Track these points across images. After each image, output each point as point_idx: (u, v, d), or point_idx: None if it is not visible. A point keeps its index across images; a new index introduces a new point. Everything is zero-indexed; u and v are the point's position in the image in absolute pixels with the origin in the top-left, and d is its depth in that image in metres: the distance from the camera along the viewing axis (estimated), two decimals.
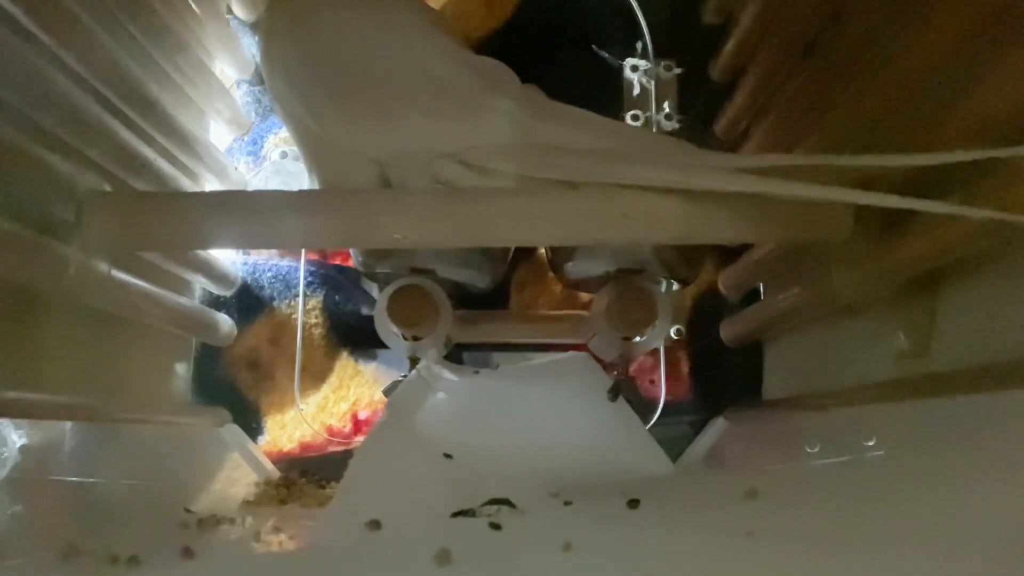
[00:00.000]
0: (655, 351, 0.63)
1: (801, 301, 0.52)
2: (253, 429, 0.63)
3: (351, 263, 0.63)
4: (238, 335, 0.63)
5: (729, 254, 0.63)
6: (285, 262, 0.65)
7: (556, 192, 0.40)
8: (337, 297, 0.65)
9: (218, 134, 0.65)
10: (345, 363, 0.64)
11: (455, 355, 0.62)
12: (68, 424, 0.44)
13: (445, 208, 0.40)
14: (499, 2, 0.66)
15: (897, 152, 0.34)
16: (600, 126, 0.45)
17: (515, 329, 0.63)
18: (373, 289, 0.64)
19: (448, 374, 0.54)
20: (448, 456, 0.47)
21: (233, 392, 0.63)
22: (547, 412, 0.53)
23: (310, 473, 0.62)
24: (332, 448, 0.63)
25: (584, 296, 0.64)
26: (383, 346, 0.55)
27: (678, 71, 0.66)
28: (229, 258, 0.64)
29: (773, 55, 0.55)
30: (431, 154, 0.42)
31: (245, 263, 0.65)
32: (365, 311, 0.64)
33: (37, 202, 0.38)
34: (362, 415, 0.64)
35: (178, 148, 0.54)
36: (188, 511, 0.47)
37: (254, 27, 0.65)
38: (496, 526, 0.37)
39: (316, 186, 0.49)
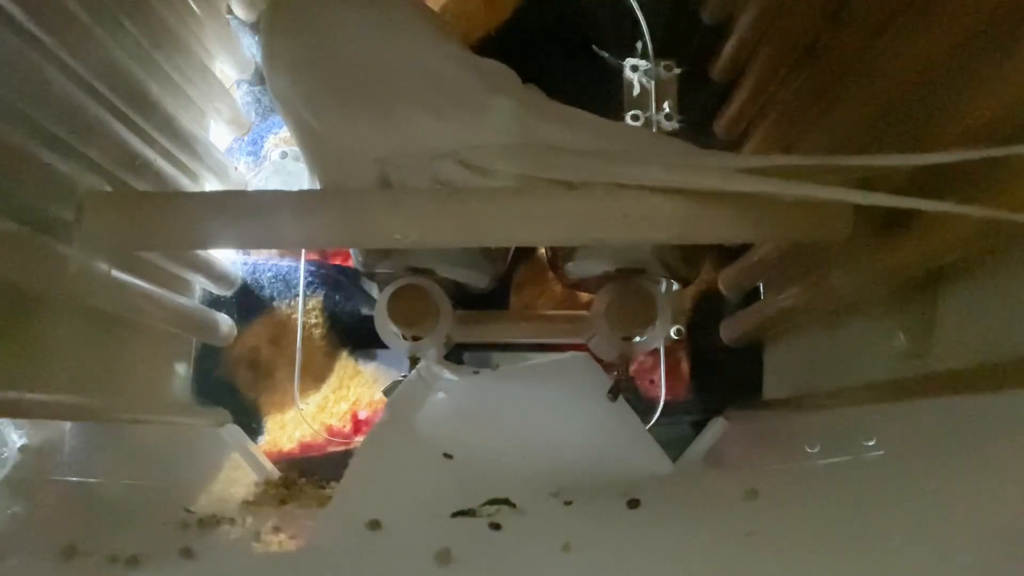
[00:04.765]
0: (655, 351, 0.63)
1: (801, 301, 0.52)
2: (253, 429, 0.63)
3: (351, 263, 0.63)
4: (238, 335, 0.63)
5: (729, 254, 0.63)
6: (285, 262, 0.65)
7: (556, 192, 0.40)
8: (337, 297, 0.65)
9: (218, 134, 0.65)
10: (345, 363, 0.64)
11: (455, 355, 0.62)
12: (68, 424, 0.44)
13: (445, 208, 0.40)
14: (499, 2, 0.66)
15: (897, 152, 0.34)
16: (600, 126, 0.45)
17: (515, 329, 0.63)
18: (373, 289, 0.64)
19: (448, 374, 0.54)
20: (448, 456, 0.47)
21: (233, 392, 0.63)
22: (547, 412, 0.53)
23: (310, 473, 0.62)
24: (332, 448, 0.63)
25: (584, 296, 0.64)
26: (383, 346, 0.55)
27: (678, 71, 0.66)
28: (229, 258, 0.64)
29: (773, 55, 0.55)
30: (432, 154, 0.42)
31: (245, 263, 0.65)
32: (365, 311, 0.64)
33: (37, 202, 0.38)
34: (362, 415, 0.64)
35: (178, 148, 0.54)
36: (188, 511, 0.47)
37: (254, 27, 0.65)
38: (496, 526, 0.37)
39: (316, 186, 0.49)
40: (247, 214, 0.41)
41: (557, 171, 0.40)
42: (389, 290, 0.51)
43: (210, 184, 0.60)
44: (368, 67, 0.44)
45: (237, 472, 0.59)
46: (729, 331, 0.64)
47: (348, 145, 0.44)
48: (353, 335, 0.64)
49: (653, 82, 0.65)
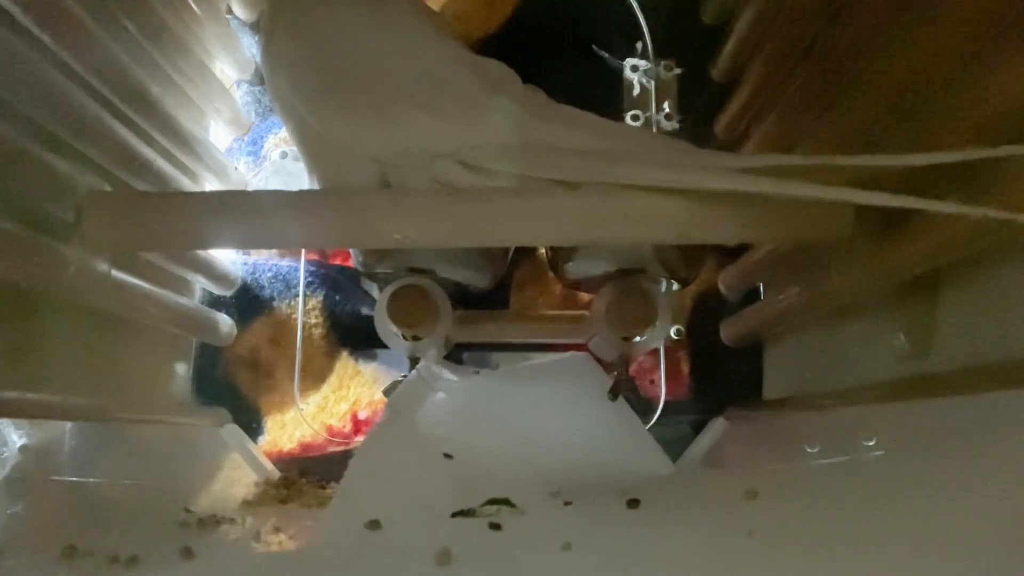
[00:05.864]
0: (655, 351, 0.63)
1: (801, 301, 0.52)
2: (253, 429, 0.63)
3: (351, 263, 0.63)
4: (238, 335, 0.63)
5: (729, 254, 0.63)
6: (285, 262, 0.65)
7: (556, 192, 0.40)
8: (337, 297, 0.65)
9: (218, 134, 0.65)
10: (345, 363, 0.64)
11: (455, 355, 0.62)
12: (68, 424, 0.44)
13: (445, 208, 0.40)
14: (499, 2, 0.66)
15: (897, 152, 0.34)
16: (600, 126, 0.45)
17: (515, 329, 0.63)
18: (373, 289, 0.64)
19: (448, 374, 0.54)
20: (448, 456, 0.47)
21: (233, 392, 0.63)
22: (547, 412, 0.53)
23: (310, 473, 0.62)
24: (332, 448, 0.63)
25: (584, 296, 0.64)
26: (383, 346, 0.55)
27: (678, 71, 0.66)
28: (229, 258, 0.64)
29: (773, 55, 0.55)
30: (432, 153, 0.42)
31: (245, 263, 0.65)
32: (365, 311, 0.64)
33: (37, 202, 0.38)
34: (362, 415, 0.64)
35: (178, 148, 0.54)
36: (188, 511, 0.47)
37: (254, 27, 0.65)
38: (496, 526, 0.37)
39: (316, 186, 0.49)
40: (247, 214, 0.41)
41: (557, 171, 0.40)
42: (389, 290, 0.51)
43: (210, 184, 0.60)
44: (368, 67, 0.44)
45: (237, 472, 0.59)
46: (729, 331, 0.64)
47: (348, 145, 0.44)
48: (353, 335, 0.64)
49: (653, 82, 0.65)
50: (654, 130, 0.65)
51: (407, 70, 0.44)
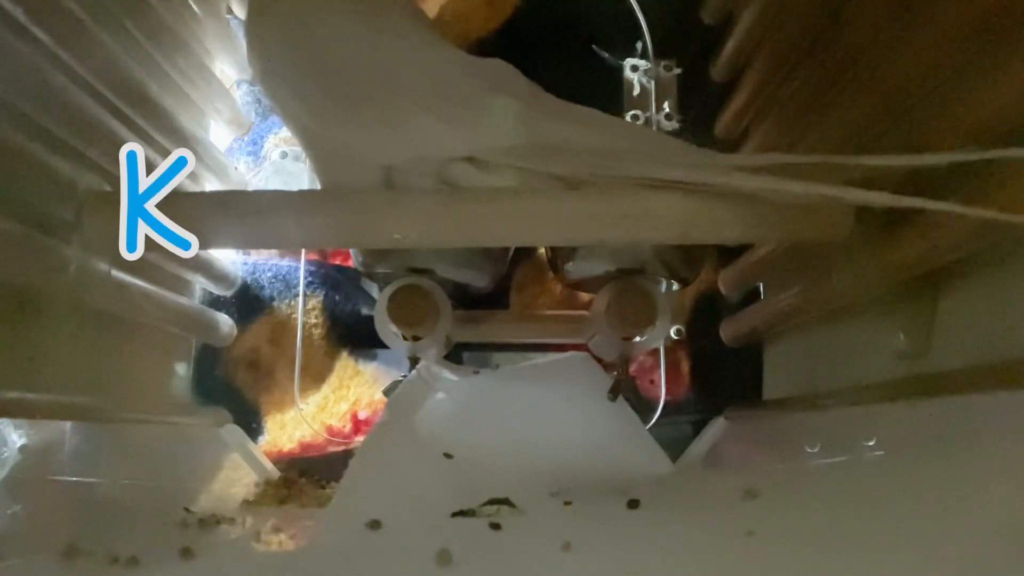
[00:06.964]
0: (655, 351, 0.63)
1: (801, 301, 0.52)
2: (253, 429, 0.63)
3: (351, 263, 0.63)
4: (238, 335, 0.63)
5: (729, 254, 0.63)
6: (285, 262, 0.65)
7: (557, 192, 0.40)
8: (337, 297, 0.65)
9: (218, 134, 0.65)
10: (345, 363, 0.64)
11: (455, 355, 0.62)
12: (68, 424, 0.44)
13: (445, 208, 0.40)
14: (499, 2, 0.66)
15: (897, 152, 0.34)
16: (606, 124, 0.45)
17: (515, 329, 0.63)
18: (373, 289, 0.64)
19: (448, 374, 0.54)
20: (448, 456, 0.47)
21: (233, 392, 0.63)
22: (547, 412, 0.53)
23: (310, 473, 0.62)
24: (332, 448, 0.63)
25: (584, 296, 0.64)
26: (383, 346, 0.55)
27: (678, 71, 0.66)
28: (229, 258, 0.64)
29: (773, 55, 0.55)
30: (444, 159, 0.42)
31: (245, 263, 0.65)
32: (365, 311, 0.64)
33: (37, 202, 0.38)
34: (362, 415, 0.64)
35: (178, 148, 0.54)
36: (188, 511, 0.47)
37: None
38: (496, 526, 0.37)
39: (317, 184, 0.49)
40: (247, 214, 0.41)
41: (564, 166, 0.40)
42: (389, 290, 0.51)
43: (210, 184, 0.60)
44: (373, 75, 0.43)
45: (237, 472, 0.59)
46: (729, 331, 0.64)
47: (357, 152, 0.44)
48: (353, 335, 0.64)
49: (653, 82, 0.65)
50: (654, 130, 0.65)
51: (412, 76, 0.43)
